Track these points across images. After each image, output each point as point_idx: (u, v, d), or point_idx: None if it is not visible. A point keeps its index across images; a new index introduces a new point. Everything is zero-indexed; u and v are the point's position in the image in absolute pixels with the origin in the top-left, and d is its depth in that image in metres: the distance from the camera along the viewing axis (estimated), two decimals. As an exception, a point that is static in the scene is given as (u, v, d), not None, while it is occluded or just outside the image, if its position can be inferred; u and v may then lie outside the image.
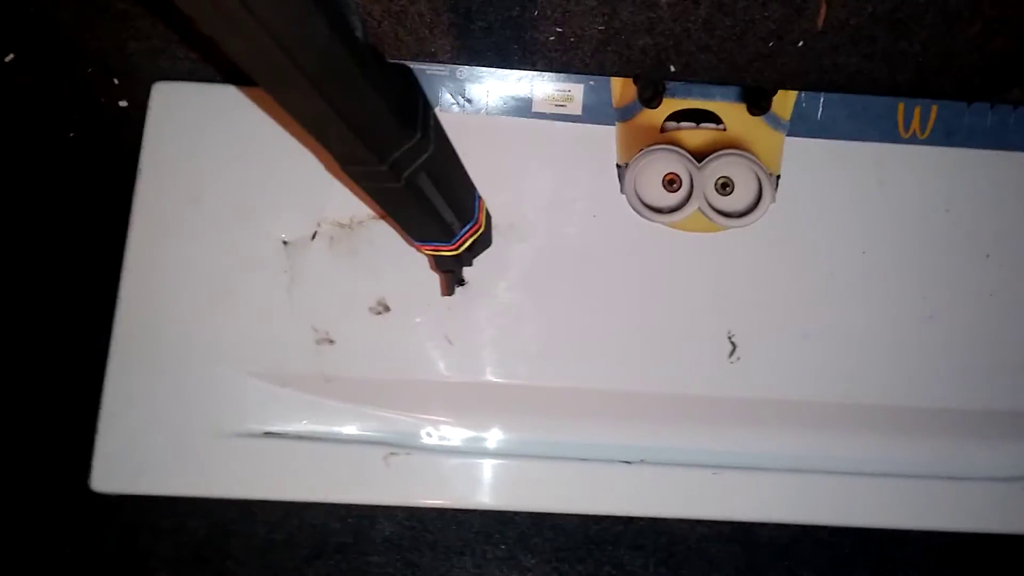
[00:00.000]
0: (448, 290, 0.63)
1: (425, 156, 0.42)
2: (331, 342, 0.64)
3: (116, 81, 0.72)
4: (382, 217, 0.62)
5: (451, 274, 0.62)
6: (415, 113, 0.41)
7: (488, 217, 0.60)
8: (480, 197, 0.56)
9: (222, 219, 0.65)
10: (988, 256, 0.66)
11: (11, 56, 0.71)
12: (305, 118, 0.36)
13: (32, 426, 0.74)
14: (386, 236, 0.65)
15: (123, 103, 0.73)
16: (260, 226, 0.65)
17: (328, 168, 0.64)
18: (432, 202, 0.47)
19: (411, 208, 0.46)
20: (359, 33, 0.34)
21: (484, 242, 0.61)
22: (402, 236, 0.55)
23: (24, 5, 0.68)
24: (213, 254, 0.65)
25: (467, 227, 0.54)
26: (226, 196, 0.66)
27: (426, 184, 0.44)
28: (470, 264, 0.63)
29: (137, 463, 0.62)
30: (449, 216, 0.51)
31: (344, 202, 0.66)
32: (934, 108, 0.67)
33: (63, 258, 0.76)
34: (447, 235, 0.53)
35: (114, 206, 0.67)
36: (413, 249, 0.65)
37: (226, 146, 0.66)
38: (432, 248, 0.55)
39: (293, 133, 0.66)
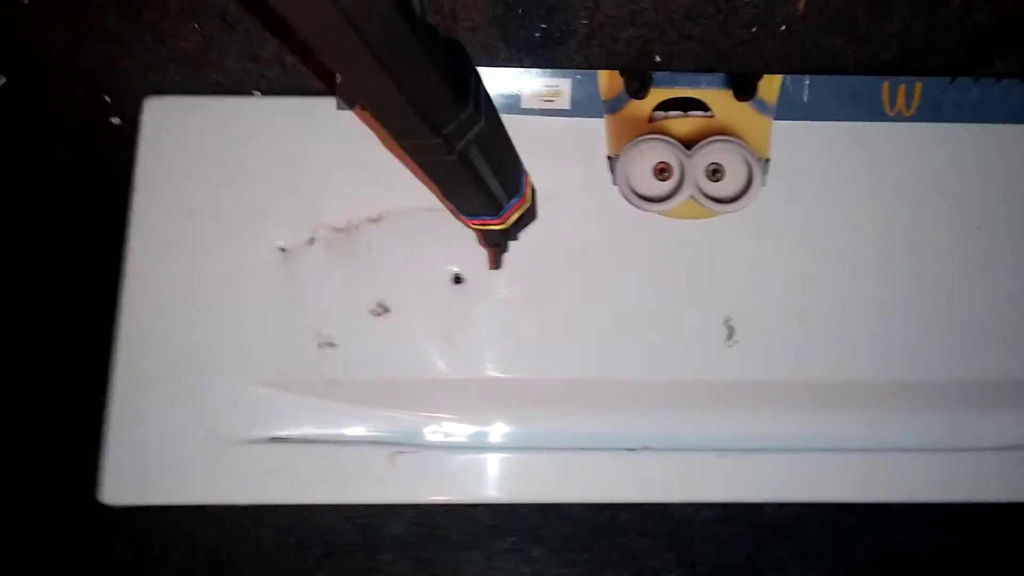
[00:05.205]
0: (495, 264, 0.64)
1: (476, 129, 0.43)
2: (333, 345, 0.64)
3: (108, 99, 0.73)
4: (439, 199, 0.62)
5: (498, 248, 0.63)
6: (467, 86, 0.42)
7: (534, 191, 0.61)
8: (526, 172, 0.57)
9: (219, 230, 0.66)
10: (979, 228, 0.67)
11: (3, 80, 0.72)
12: (364, 91, 0.37)
13: (39, 441, 0.75)
14: (383, 239, 0.66)
15: (116, 120, 0.74)
16: (257, 235, 0.66)
17: (384, 144, 0.65)
18: (482, 175, 0.47)
19: (462, 181, 0.47)
20: (418, 8, 0.35)
21: (530, 216, 0.62)
22: (451, 211, 0.56)
23: (14, 29, 0.69)
24: (212, 265, 0.65)
25: (513, 201, 0.55)
26: (222, 207, 0.66)
27: (476, 157, 0.45)
28: (516, 238, 0.63)
29: (146, 474, 0.62)
30: (497, 189, 0.52)
31: (340, 207, 0.66)
32: (918, 85, 0.67)
33: (63, 274, 0.77)
34: (495, 208, 0.54)
35: (111, 222, 0.67)
36: (410, 251, 0.65)
37: (220, 158, 0.67)
38: (480, 223, 0.56)
39: (287, 144, 0.67)
